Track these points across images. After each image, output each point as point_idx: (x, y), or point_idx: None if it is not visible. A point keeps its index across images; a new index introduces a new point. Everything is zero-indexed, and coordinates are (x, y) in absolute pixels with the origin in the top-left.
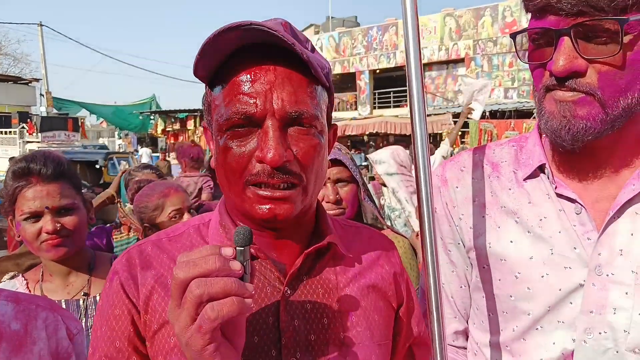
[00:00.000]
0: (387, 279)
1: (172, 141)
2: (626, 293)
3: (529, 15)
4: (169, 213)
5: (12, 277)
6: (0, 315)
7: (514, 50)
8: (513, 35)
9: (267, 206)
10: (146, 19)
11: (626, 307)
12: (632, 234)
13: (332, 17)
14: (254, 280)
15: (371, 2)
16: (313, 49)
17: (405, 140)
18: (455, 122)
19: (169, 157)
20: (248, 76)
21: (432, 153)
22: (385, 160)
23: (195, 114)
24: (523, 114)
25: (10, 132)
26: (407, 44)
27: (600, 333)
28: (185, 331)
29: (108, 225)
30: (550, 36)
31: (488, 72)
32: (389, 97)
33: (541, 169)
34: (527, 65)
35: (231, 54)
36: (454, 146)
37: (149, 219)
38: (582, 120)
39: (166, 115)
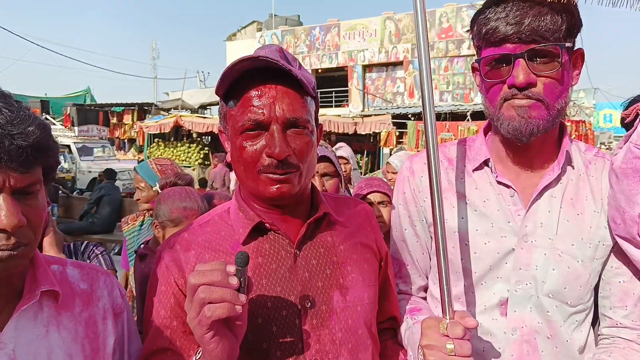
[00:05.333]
0: (371, 238)
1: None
2: (544, 254)
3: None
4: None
5: None
6: (71, 277)
7: (457, 54)
8: (478, 61)
9: (276, 186)
10: (78, 7)
11: (544, 264)
12: (549, 211)
13: (275, 15)
14: (250, 287)
15: (314, 2)
16: (300, 66)
17: (345, 139)
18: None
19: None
20: (256, 92)
21: (373, 150)
22: (352, 157)
23: (133, 107)
24: (457, 116)
25: None
26: (420, 54)
27: (526, 284)
28: (191, 321)
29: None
30: (508, 59)
31: None
32: (331, 97)
33: (486, 163)
34: (461, 70)
35: (241, 76)
36: (392, 146)
37: (162, 221)
38: (535, 119)
39: (101, 108)
